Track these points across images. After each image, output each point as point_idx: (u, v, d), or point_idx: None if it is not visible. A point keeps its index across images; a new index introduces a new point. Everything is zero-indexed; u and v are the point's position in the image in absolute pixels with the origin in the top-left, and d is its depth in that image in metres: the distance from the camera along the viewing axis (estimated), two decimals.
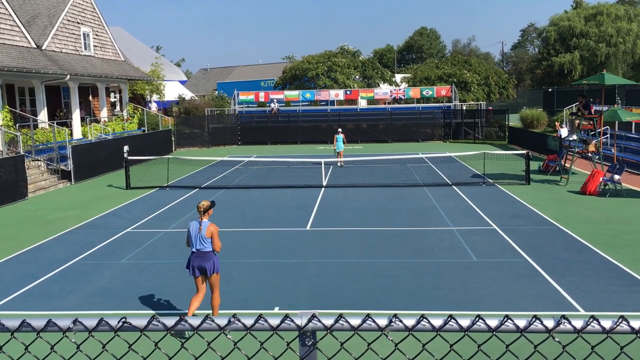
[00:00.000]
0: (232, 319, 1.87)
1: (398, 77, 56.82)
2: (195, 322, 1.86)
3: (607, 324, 1.84)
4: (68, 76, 26.21)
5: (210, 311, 8.21)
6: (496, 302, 9.00)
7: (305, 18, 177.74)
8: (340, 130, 26.99)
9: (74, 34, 29.38)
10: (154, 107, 37.19)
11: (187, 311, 8.29)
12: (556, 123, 26.54)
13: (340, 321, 1.87)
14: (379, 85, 50.45)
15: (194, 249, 8.05)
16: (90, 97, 33.62)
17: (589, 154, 20.56)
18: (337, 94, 43.59)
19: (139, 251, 12.50)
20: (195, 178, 23.36)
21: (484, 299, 9.17)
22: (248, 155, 30.83)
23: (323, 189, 20.08)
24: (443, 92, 43.52)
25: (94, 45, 31.29)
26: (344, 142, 26.25)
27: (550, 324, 1.84)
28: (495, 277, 10.19)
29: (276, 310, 8.83)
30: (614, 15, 56.88)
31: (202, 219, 8.05)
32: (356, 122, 39.29)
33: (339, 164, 25.97)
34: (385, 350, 2.28)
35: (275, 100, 43.12)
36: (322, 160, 22.12)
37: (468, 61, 52.60)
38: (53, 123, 24.74)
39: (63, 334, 1.91)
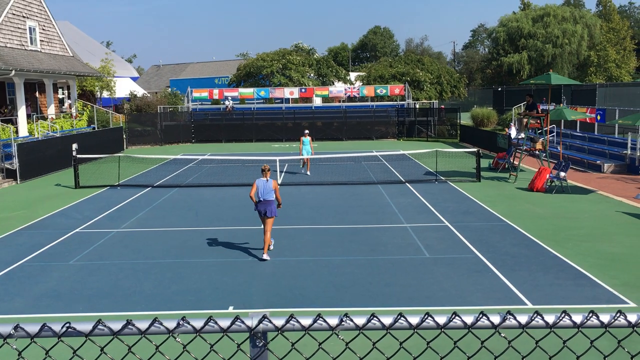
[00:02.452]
0: (180, 322, 1.84)
1: (352, 76, 57.16)
2: (142, 325, 1.82)
3: (550, 318, 1.89)
4: (13, 72, 25.31)
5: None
6: (448, 297, 9.17)
7: (259, 15, 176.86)
8: (307, 132, 22.93)
9: (19, 28, 28.38)
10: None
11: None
12: (506, 129, 27.23)
13: (291, 321, 1.86)
14: (333, 84, 50.64)
15: (261, 199, 11.32)
16: (37, 94, 32.56)
17: (536, 152, 21.16)
18: (292, 92, 43.54)
19: (88, 252, 12.19)
20: (148, 177, 22.93)
21: (437, 294, 9.33)
22: (202, 154, 30.47)
23: None
24: (397, 90, 44.02)
25: (40, 40, 30.30)
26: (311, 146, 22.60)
27: (496, 319, 1.88)
28: (447, 273, 10.38)
29: (230, 309, 8.76)
30: (560, 16, 58.67)
31: (266, 177, 11.41)
32: (311, 120, 39.30)
33: (308, 172, 22.89)
34: (337, 349, 2.29)
35: (229, 97, 42.73)
36: (277, 158, 22.05)
37: (421, 60, 53.34)
38: None
39: (4, 340, 1.84)
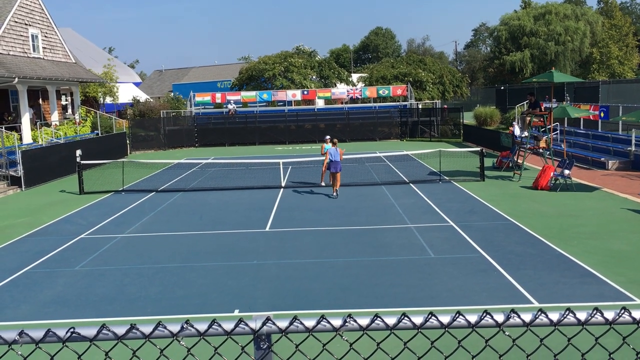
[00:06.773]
0: (184, 325, 1.84)
1: (355, 77, 57.18)
2: (146, 329, 1.83)
3: (554, 316, 1.89)
4: (16, 79, 25.41)
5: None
6: (453, 297, 9.16)
7: (260, 18, 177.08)
8: (328, 138, 19.17)
9: (21, 35, 28.50)
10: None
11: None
12: (510, 128, 27.17)
13: (294, 323, 1.87)
14: (335, 85, 50.67)
15: (333, 160, 17.49)
16: (41, 100, 32.67)
17: (540, 150, 21.12)
18: (295, 94, 43.58)
19: (93, 257, 12.22)
20: (152, 181, 22.97)
21: (442, 294, 9.32)
22: (205, 157, 30.51)
23: (282, 189, 20.03)
24: (399, 91, 44.01)
25: (43, 47, 30.41)
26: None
27: (500, 318, 1.88)
28: (452, 273, 10.36)
29: (236, 312, 8.77)
30: (562, 14, 58.60)
31: (335, 146, 17.77)
32: (314, 122, 39.36)
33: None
34: (341, 350, 2.29)
35: (232, 101, 42.81)
36: (280, 160, 22.06)
37: (423, 60, 53.36)
38: (1, 128, 23.94)
39: (9, 346, 1.85)
